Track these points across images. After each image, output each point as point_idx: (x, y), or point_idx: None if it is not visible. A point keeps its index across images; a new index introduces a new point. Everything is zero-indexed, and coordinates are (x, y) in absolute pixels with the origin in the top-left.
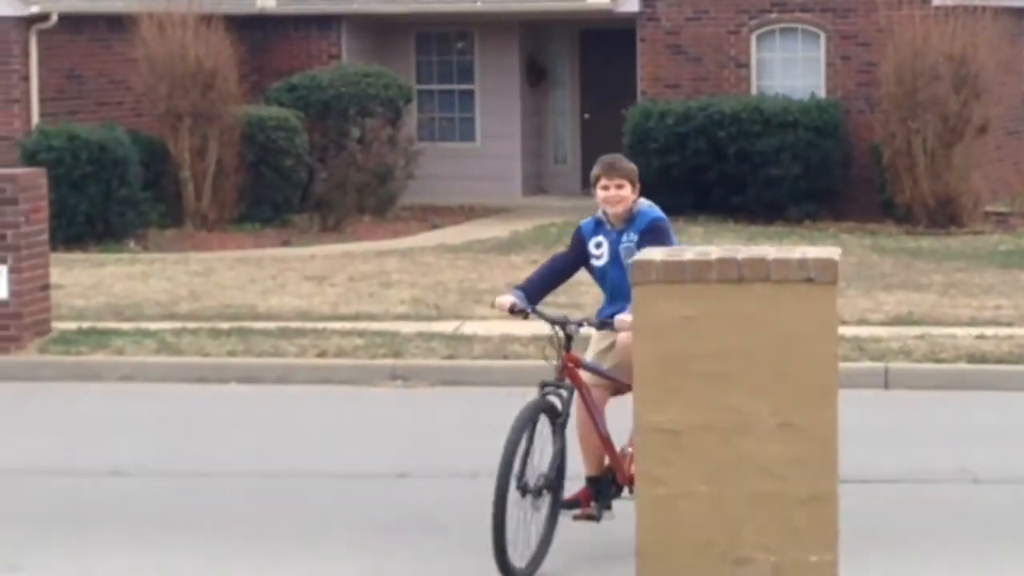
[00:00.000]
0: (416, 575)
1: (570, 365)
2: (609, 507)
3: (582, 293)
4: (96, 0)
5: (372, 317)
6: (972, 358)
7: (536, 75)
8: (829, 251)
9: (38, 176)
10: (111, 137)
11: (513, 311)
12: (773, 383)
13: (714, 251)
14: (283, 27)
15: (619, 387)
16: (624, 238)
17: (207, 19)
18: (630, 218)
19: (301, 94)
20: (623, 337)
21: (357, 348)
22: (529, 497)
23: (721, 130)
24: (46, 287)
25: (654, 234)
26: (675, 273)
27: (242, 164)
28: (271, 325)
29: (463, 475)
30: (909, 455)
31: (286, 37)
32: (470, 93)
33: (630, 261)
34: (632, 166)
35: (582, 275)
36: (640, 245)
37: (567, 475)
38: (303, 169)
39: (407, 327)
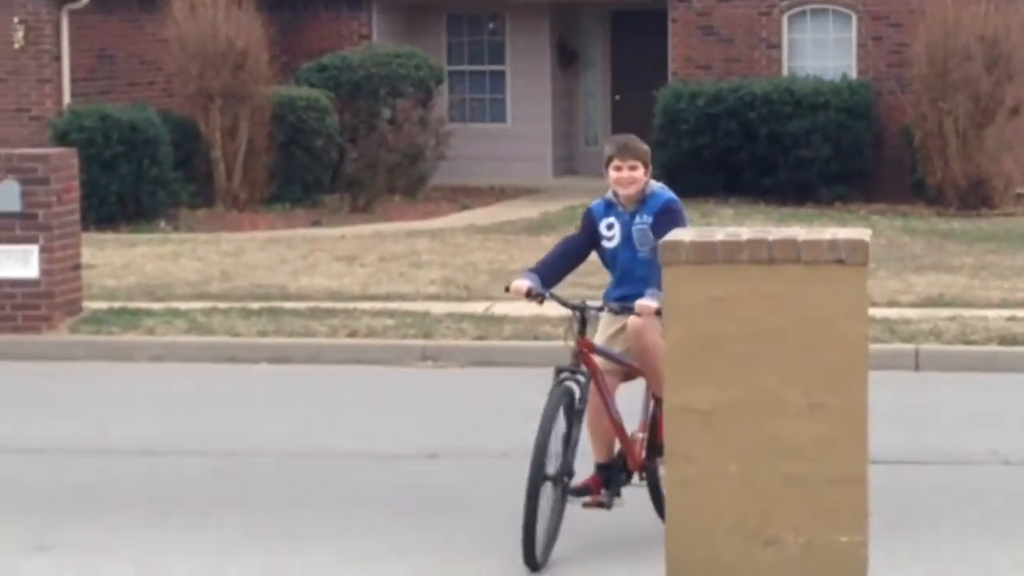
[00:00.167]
0: (446, 555)
1: (585, 351)
2: (619, 494)
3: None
4: None
5: (402, 297)
6: (1003, 340)
7: (567, 57)
8: (860, 232)
9: (69, 156)
10: (142, 117)
11: (530, 295)
12: (804, 364)
13: (745, 232)
14: (313, 7)
15: (629, 372)
16: (637, 220)
17: None
18: (642, 199)
19: (332, 74)
20: (634, 321)
21: (387, 328)
22: (549, 486)
23: (752, 111)
24: (77, 267)
25: (669, 216)
26: (706, 254)
27: (273, 144)
28: (301, 305)
29: (493, 455)
30: (939, 437)
31: (317, 17)
32: (501, 74)
33: (659, 242)
34: (645, 147)
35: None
36: (654, 227)
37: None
38: (334, 149)
39: (437, 307)
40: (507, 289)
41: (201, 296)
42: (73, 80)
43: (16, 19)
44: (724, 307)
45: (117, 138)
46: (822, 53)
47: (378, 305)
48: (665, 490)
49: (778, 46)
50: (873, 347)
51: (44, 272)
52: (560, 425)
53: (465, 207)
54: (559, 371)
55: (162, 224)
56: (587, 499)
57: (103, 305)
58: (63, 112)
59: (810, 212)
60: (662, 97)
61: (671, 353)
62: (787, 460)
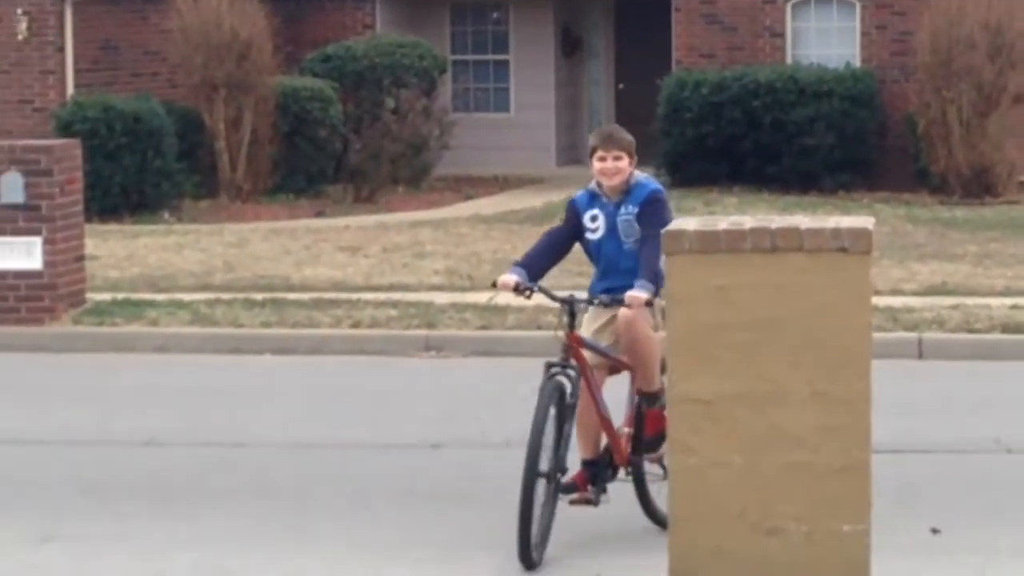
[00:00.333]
0: (449, 545)
1: (574, 345)
2: (605, 490)
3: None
4: None
5: (406, 288)
6: (1006, 328)
7: (571, 45)
8: (863, 221)
9: (73, 147)
10: (146, 108)
11: (517, 290)
12: (806, 353)
13: (748, 221)
14: None
15: (615, 366)
16: (622, 211)
17: None
18: (627, 190)
19: (335, 64)
20: (625, 313)
21: (391, 319)
22: (543, 483)
23: (756, 100)
24: (81, 258)
25: (654, 207)
26: (709, 243)
27: (276, 135)
28: (305, 296)
29: (496, 445)
30: (942, 425)
31: (320, 7)
32: (505, 64)
33: (662, 232)
34: (630, 138)
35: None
36: (640, 218)
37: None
38: (337, 140)
39: (441, 298)
40: (494, 284)
41: (205, 287)
42: (77, 71)
43: (19, 10)
44: (727, 296)
45: (121, 129)
46: (826, 41)
47: (382, 295)
48: (667, 480)
49: (782, 34)
50: (876, 335)
51: (47, 263)
52: (552, 421)
53: (469, 197)
54: (549, 366)
55: (166, 215)
56: (574, 496)
57: (106, 296)
58: (66, 103)
59: (814, 200)
60: (666, 86)
61: (673, 342)
62: (790, 449)
